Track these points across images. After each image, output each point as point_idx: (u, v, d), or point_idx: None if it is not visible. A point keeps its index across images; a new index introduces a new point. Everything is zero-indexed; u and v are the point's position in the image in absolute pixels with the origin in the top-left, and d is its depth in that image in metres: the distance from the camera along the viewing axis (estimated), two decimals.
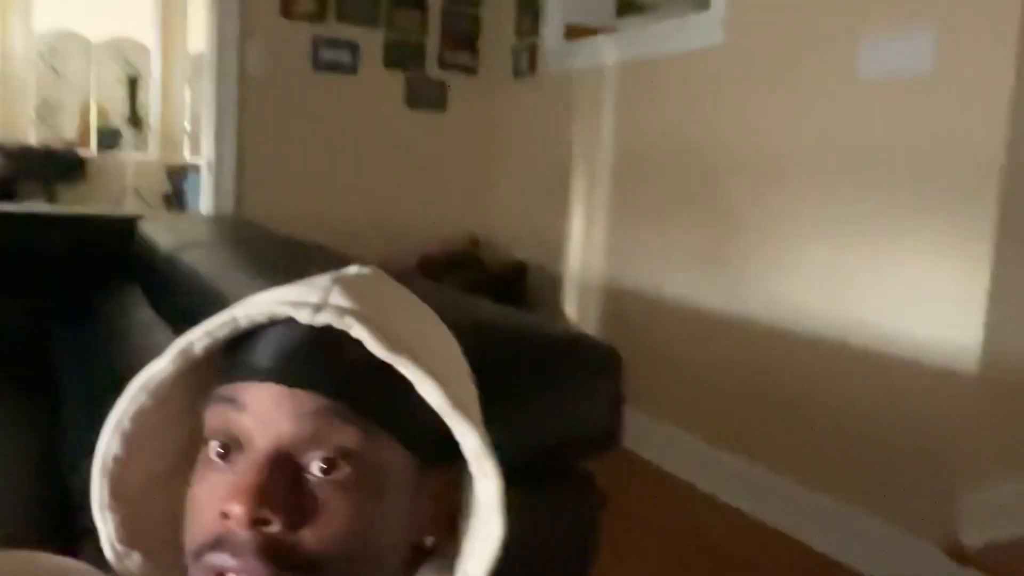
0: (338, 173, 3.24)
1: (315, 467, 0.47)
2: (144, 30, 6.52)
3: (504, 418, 0.65)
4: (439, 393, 0.49)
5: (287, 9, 3.09)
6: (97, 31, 6.43)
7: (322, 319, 0.49)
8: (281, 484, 0.46)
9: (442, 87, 3.40)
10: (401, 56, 3.31)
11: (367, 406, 0.49)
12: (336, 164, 3.23)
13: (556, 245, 3.04)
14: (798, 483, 2.05)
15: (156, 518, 0.54)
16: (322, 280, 0.52)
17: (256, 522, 0.45)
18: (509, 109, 3.38)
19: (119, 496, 0.53)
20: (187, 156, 6.47)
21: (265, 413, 0.47)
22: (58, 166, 5.93)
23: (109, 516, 0.52)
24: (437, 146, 3.40)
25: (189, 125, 6.63)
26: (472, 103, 3.45)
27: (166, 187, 6.22)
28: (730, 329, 2.27)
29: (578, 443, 0.77)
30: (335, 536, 0.47)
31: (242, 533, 0.45)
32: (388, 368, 0.49)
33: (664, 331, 2.53)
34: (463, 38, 3.42)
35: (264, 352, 0.49)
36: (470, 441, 0.51)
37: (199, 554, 0.47)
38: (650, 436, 2.47)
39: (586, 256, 2.91)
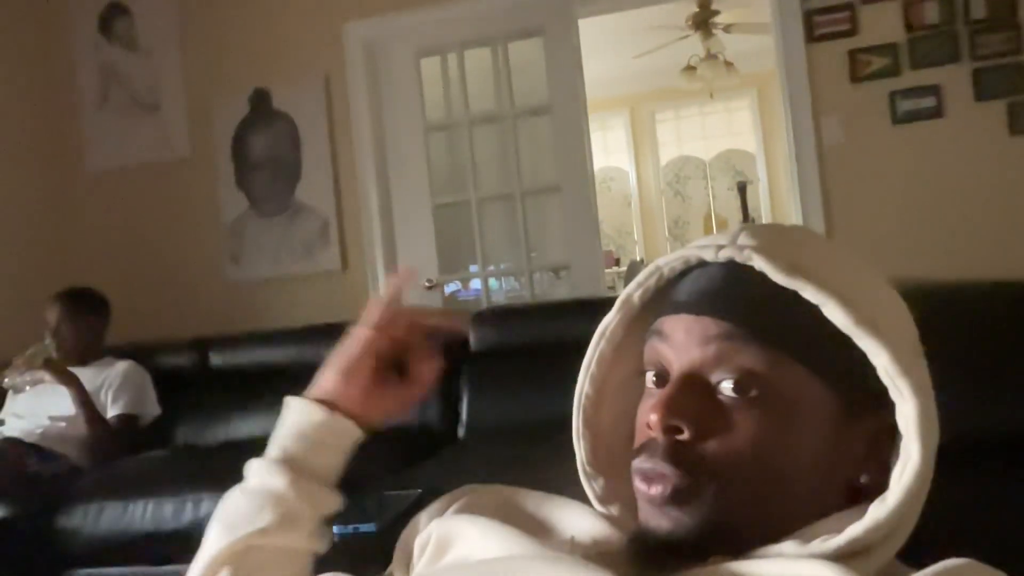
0: (935, 226, 3.00)
1: (725, 387, 0.53)
2: (748, 140, 7.13)
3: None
4: (842, 312, 0.51)
5: (856, 74, 3.08)
6: (709, 151, 7.27)
7: (724, 255, 0.55)
8: (690, 398, 0.53)
9: None
10: (996, 83, 2.97)
11: (769, 330, 0.53)
12: (932, 217, 3.01)
13: None
14: None
15: (621, 451, 0.64)
16: (735, 227, 0.59)
17: (668, 429, 0.52)
18: None
19: (592, 428, 0.65)
20: None
21: (679, 340, 0.55)
22: None
23: (582, 444, 0.65)
24: None
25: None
26: None
27: None
28: None
29: None
30: (740, 450, 0.51)
31: (658, 438, 0.53)
32: (797, 298, 0.52)
33: None
34: None
35: (679, 290, 0.58)
36: (881, 359, 0.50)
37: (632, 459, 0.56)
38: None
39: None
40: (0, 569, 1.98)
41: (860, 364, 0.51)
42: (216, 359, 2.84)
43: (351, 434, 0.67)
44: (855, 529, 0.49)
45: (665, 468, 0.52)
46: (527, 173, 3.50)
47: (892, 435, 0.53)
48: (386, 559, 0.80)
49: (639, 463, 0.54)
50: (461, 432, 2.24)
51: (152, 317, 3.33)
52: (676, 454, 0.52)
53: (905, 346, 0.52)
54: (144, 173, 3.63)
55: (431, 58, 3.53)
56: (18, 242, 3.38)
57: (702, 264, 0.58)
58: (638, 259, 6.93)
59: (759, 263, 0.53)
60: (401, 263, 3.55)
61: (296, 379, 2.48)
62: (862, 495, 0.54)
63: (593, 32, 3.72)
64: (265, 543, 0.63)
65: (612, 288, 5.85)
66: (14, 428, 2.49)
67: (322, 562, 1.24)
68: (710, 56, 5.39)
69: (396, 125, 3.52)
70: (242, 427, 2.58)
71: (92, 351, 2.70)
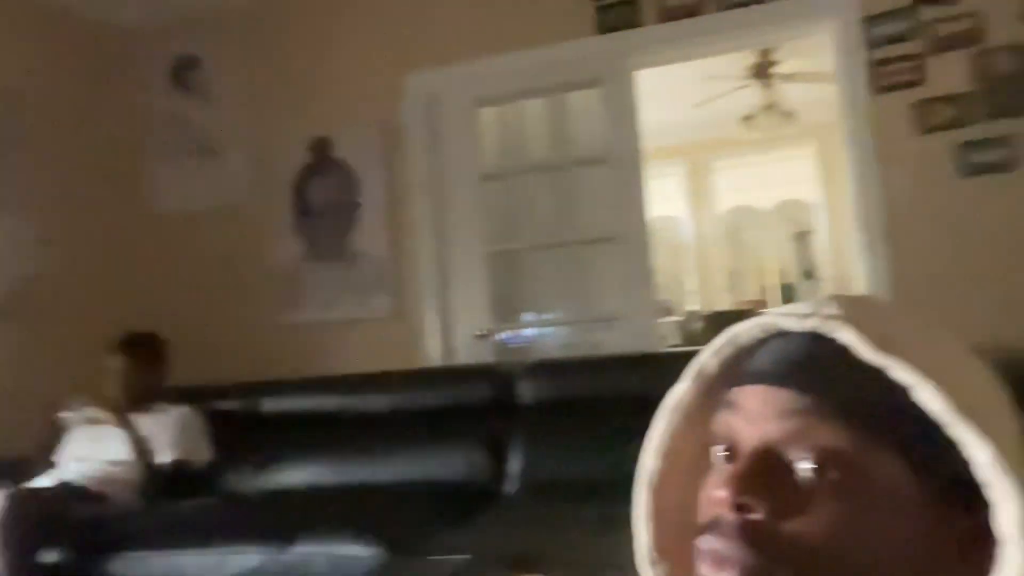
0: (1004, 285, 2.87)
1: (803, 466, 0.49)
2: (808, 190, 7.01)
3: None
4: (938, 397, 0.46)
5: (922, 125, 2.99)
6: (767, 200, 7.17)
7: (808, 324, 0.52)
8: (764, 475, 0.49)
9: None
10: None
11: (853, 408, 0.48)
12: (1000, 276, 2.87)
13: None
14: None
15: (688, 534, 0.59)
16: (823, 297, 0.55)
17: (740, 507, 0.48)
18: None
19: (658, 507, 0.60)
20: None
21: (754, 412, 0.51)
22: None
23: (647, 527, 0.60)
24: None
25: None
26: None
27: None
28: None
29: None
30: (819, 534, 0.47)
31: (728, 516, 0.49)
32: (885, 376, 0.48)
33: None
34: None
35: (756, 359, 0.54)
36: (982, 454, 0.46)
37: (697, 538, 0.51)
38: None
39: None
40: None
41: (953, 454, 0.46)
42: (268, 404, 2.85)
43: None
44: None
45: (736, 549, 0.47)
46: (582, 222, 3.47)
47: (987, 537, 0.48)
48: None
49: (705, 543, 0.50)
50: (508, 488, 2.18)
51: (209, 360, 3.37)
52: (748, 534, 0.47)
53: (1006, 438, 0.47)
54: (204, 217, 3.72)
55: (489, 108, 3.56)
56: (86, 282, 3.48)
57: (782, 333, 0.54)
58: (694, 309, 6.82)
59: (845, 336, 0.49)
60: (454, 311, 3.54)
61: (344, 426, 2.48)
62: None
63: (652, 80, 3.71)
64: None
65: (665, 338, 5.76)
66: (71, 470, 2.53)
67: None
68: (769, 106, 5.34)
69: (453, 173, 3.54)
70: (291, 475, 2.57)
71: (151, 396, 2.73)
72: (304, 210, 3.63)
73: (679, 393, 0.59)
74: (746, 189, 7.14)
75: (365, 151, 3.55)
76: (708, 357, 0.58)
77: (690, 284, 7.28)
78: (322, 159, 3.62)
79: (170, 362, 2.85)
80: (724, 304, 6.99)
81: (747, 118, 5.48)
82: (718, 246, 7.22)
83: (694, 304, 7.06)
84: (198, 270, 3.70)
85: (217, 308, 3.64)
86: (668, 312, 6.89)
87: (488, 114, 3.57)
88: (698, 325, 6.31)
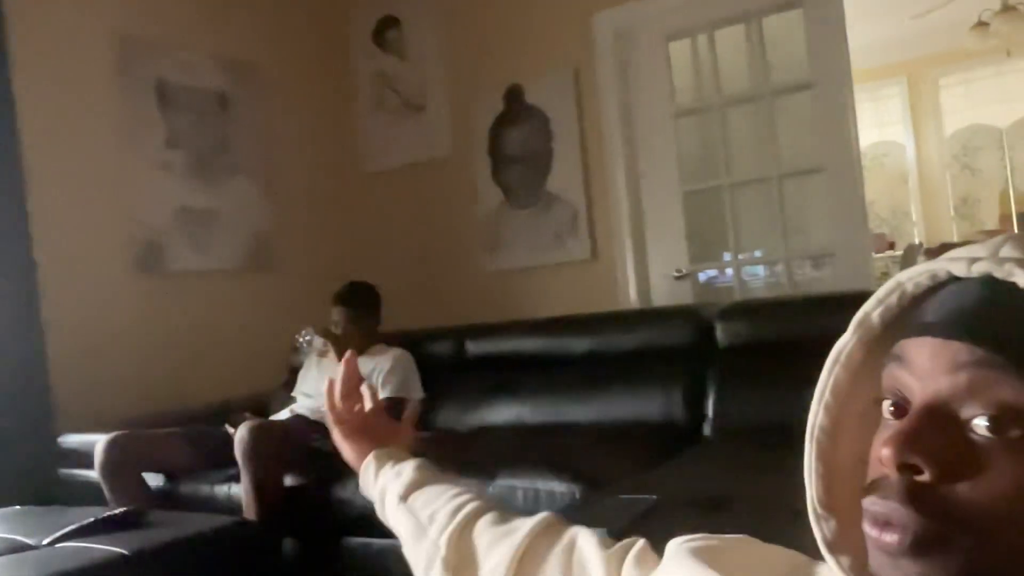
0: None
1: (979, 424, 0.45)
2: None
3: None
4: None
5: None
6: (1006, 117, 6.36)
7: (979, 269, 0.47)
8: (933, 433, 0.45)
9: None
10: None
11: None
12: None
13: None
14: None
15: (859, 491, 0.57)
16: (999, 238, 0.50)
17: (904, 467, 0.45)
18: None
19: (827, 463, 0.57)
20: None
21: (923, 367, 0.48)
22: None
23: (814, 480, 0.58)
24: None
25: None
26: None
27: None
28: None
29: None
30: (998, 498, 0.43)
31: (892, 476, 0.46)
32: None
33: None
34: None
35: (924, 309, 0.50)
36: None
37: (861, 498, 0.49)
38: None
39: None
40: (290, 528, 2.25)
41: None
42: (472, 348, 2.99)
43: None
44: None
45: (901, 512, 0.45)
46: (785, 154, 3.29)
47: None
48: None
49: (869, 503, 0.47)
50: (707, 430, 2.16)
51: (417, 306, 3.60)
52: (915, 497, 0.45)
53: None
54: (410, 172, 3.92)
55: (680, 41, 3.43)
56: (309, 237, 3.82)
57: (953, 280, 0.49)
58: (916, 242, 6.26)
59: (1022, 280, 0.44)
60: (650, 252, 3.51)
61: (543, 367, 2.57)
62: None
63: None
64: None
65: (885, 275, 5.35)
66: (302, 406, 2.82)
67: None
68: (1006, 8, 4.70)
69: (645, 112, 3.48)
70: (494, 414, 2.71)
71: (369, 340, 2.97)
72: (501, 158, 3.72)
73: (841, 345, 0.56)
74: (980, 106, 6.37)
75: (556, 95, 3.56)
76: (871, 307, 0.54)
77: (913, 215, 6.68)
78: (516, 106, 3.68)
79: (382, 309, 3.07)
80: (953, 236, 6.36)
81: (979, 25, 4.86)
82: (947, 171, 6.54)
83: (917, 236, 6.48)
84: (407, 222, 3.93)
85: (425, 257, 3.85)
86: (888, 246, 6.39)
87: (679, 48, 3.44)
88: (921, 259, 5.78)
